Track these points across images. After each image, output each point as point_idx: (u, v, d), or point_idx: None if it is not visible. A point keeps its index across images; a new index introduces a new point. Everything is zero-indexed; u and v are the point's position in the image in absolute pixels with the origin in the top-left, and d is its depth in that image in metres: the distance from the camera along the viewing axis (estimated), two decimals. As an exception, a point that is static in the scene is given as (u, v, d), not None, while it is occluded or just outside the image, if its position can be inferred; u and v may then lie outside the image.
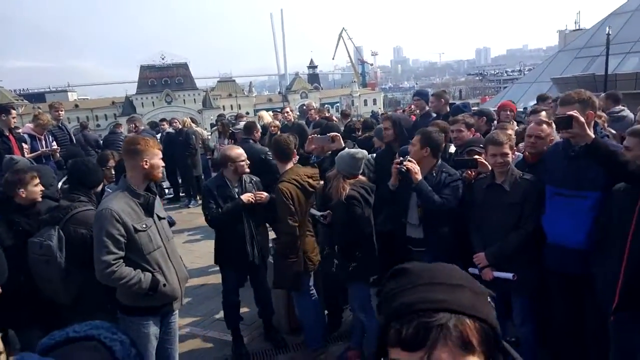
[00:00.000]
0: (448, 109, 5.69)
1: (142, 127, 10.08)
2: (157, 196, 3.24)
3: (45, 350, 1.03)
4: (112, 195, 3.08)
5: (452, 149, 4.44)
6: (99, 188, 3.85)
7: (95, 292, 3.24)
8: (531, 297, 3.51)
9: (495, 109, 6.13)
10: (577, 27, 47.89)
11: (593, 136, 2.83)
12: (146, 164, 3.05)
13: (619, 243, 2.74)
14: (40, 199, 3.61)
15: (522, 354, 3.04)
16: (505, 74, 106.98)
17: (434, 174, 3.73)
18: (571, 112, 2.82)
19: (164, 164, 3.24)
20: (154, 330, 3.17)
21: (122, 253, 2.95)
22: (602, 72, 17.04)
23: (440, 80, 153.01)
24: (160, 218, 3.21)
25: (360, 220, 3.76)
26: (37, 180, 3.57)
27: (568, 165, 3.12)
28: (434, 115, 5.69)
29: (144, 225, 3.04)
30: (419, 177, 3.61)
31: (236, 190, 4.18)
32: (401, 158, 3.71)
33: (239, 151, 4.22)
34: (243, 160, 4.18)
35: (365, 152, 4.11)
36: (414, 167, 3.61)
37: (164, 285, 3.08)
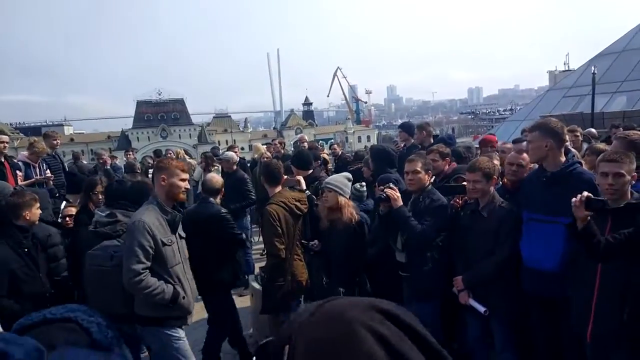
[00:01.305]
0: (431, 141, 5.85)
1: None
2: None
3: (22, 329, 1.01)
4: (143, 209, 3.27)
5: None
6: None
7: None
8: (510, 323, 3.55)
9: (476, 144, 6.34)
10: (567, 68, 49.33)
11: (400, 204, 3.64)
12: (164, 182, 3.26)
13: (591, 266, 2.81)
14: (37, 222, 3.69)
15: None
16: (497, 113, 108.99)
17: (421, 199, 3.80)
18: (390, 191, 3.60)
19: (187, 187, 3.40)
20: (180, 333, 3.32)
21: (149, 264, 3.13)
22: (590, 111, 17.50)
23: (433, 119, 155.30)
24: (181, 237, 3.41)
25: (364, 246, 3.93)
26: (38, 204, 3.67)
27: (542, 191, 3.24)
28: (419, 146, 5.85)
29: (170, 240, 3.24)
30: (399, 203, 3.69)
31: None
32: (382, 186, 3.81)
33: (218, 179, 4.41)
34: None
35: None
36: (394, 193, 3.70)
37: (183, 297, 3.26)
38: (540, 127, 3.24)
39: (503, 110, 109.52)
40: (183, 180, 3.31)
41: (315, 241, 4.14)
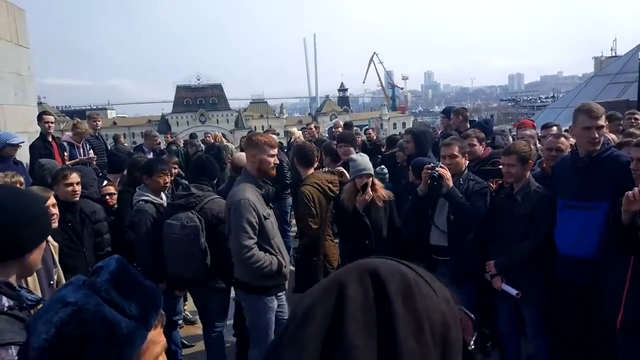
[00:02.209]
0: (468, 126, 5.77)
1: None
2: None
3: None
4: (242, 186, 3.43)
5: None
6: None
7: (216, 269, 3.72)
8: (542, 309, 3.53)
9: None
10: (614, 54, 47.11)
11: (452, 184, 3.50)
12: (254, 158, 3.43)
13: (624, 253, 2.77)
14: (77, 199, 3.80)
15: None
16: (539, 100, 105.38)
17: (462, 182, 3.78)
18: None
19: (277, 162, 3.53)
20: (274, 304, 3.53)
21: (256, 239, 3.31)
22: (636, 98, 16.73)
23: (471, 106, 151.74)
24: (270, 208, 3.58)
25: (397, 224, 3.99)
26: (71, 181, 3.73)
27: (577, 177, 3.19)
28: (455, 132, 5.78)
29: (267, 214, 3.43)
30: (451, 183, 3.64)
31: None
32: (432, 164, 3.77)
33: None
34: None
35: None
36: (446, 173, 3.64)
37: (284, 266, 3.45)
38: (605, 111, 3.17)
39: (545, 98, 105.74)
40: (272, 155, 3.43)
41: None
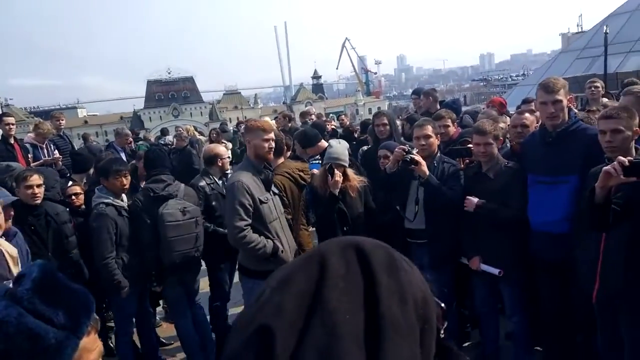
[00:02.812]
0: (438, 107, 5.77)
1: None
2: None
3: None
4: (239, 171, 3.58)
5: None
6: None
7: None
8: (520, 286, 3.55)
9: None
10: (580, 30, 47.85)
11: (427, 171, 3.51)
12: (249, 143, 3.51)
13: (595, 230, 2.75)
14: (38, 202, 3.67)
15: (515, 348, 3.06)
16: (510, 79, 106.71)
17: (435, 164, 3.75)
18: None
19: (272, 146, 3.52)
20: None
21: (250, 220, 3.36)
22: (602, 72, 17.05)
23: (444, 87, 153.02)
24: (274, 194, 3.58)
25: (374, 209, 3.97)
26: (31, 182, 3.61)
27: (546, 152, 3.19)
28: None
29: (265, 198, 3.46)
30: (427, 171, 3.59)
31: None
32: (407, 147, 3.69)
33: (223, 148, 4.55)
34: (227, 157, 4.52)
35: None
36: (421, 160, 3.59)
37: (281, 251, 3.45)
38: (564, 84, 3.14)
39: (515, 76, 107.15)
40: (265, 140, 3.43)
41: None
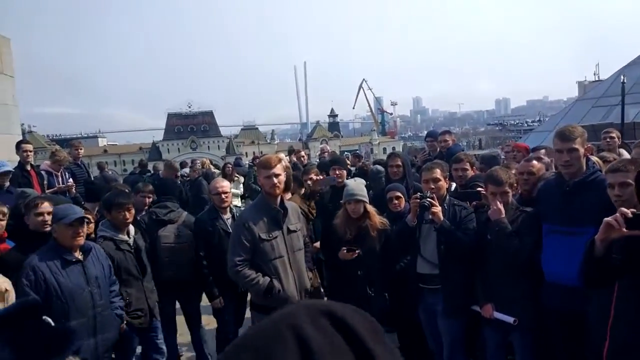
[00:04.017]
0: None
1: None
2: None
3: None
4: (249, 206, 3.79)
5: (453, 186, 4.47)
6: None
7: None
8: (532, 336, 3.42)
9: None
10: (597, 79, 48.02)
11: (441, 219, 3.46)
12: (260, 180, 3.60)
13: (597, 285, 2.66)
14: (48, 229, 3.55)
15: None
16: (526, 124, 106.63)
17: (445, 207, 3.67)
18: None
19: (278, 182, 3.48)
20: None
21: (247, 256, 3.42)
22: (619, 121, 16.99)
23: (460, 130, 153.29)
24: (290, 231, 3.55)
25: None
26: (41, 210, 3.61)
27: (562, 201, 3.11)
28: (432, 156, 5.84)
29: (269, 236, 3.45)
30: (442, 216, 3.53)
31: (229, 221, 4.39)
32: (420, 193, 3.64)
33: (226, 183, 4.58)
34: (228, 192, 4.51)
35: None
36: (438, 206, 3.52)
37: (279, 291, 3.43)
38: (582, 133, 3.08)
39: (531, 122, 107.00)
40: (267, 177, 3.43)
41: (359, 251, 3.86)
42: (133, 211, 4.05)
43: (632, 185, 2.53)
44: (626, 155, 4.69)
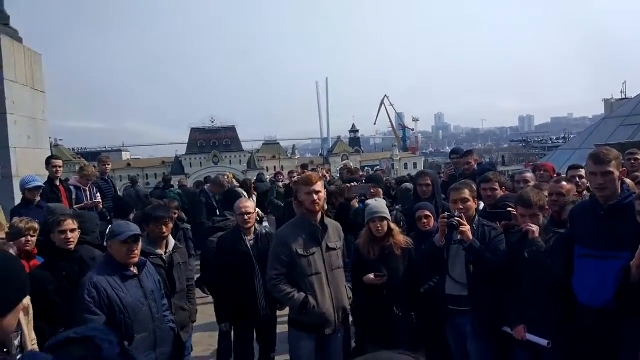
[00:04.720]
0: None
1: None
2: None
3: (51, 348, 1.18)
4: (288, 223, 3.81)
5: (481, 206, 4.39)
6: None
7: None
8: (565, 358, 3.30)
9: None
10: (623, 97, 47.09)
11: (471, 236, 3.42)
12: (300, 197, 3.65)
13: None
14: (71, 247, 3.62)
15: None
16: (550, 141, 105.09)
17: (475, 227, 3.63)
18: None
19: (317, 199, 3.53)
20: (306, 343, 3.56)
21: (284, 270, 3.49)
22: (649, 140, 16.55)
23: (482, 147, 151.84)
24: (329, 249, 3.58)
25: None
26: (64, 228, 3.58)
27: (596, 225, 3.03)
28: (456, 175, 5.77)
29: (306, 252, 3.49)
30: (471, 235, 3.49)
31: (251, 242, 4.34)
32: (448, 213, 3.62)
33: (250, 204, 4.54)
34: (252, 213, 4.41)
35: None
36: (467, 225, 3.49)
37: (313, 307, 3.45)
38: (617, 156, 3.02)
39: (556, 139, 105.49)
40: (309, 193, 3.48)
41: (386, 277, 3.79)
42: (171, 225, 4.07)
43: None
44: None
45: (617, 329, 2.85)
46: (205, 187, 9.90)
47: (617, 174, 2.97)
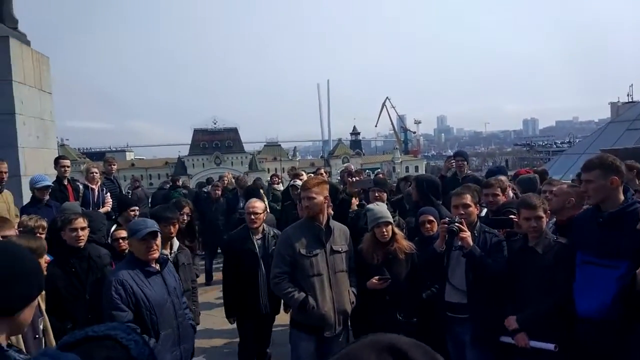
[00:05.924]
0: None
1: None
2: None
3: (66, 346, 1.11)
4: (295, 223, 3.85)
5: (484, 212, 4.39)
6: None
7: None
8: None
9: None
10: (630, 100, 46.85)
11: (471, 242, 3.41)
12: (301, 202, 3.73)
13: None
14: (82, 245, 3.69)
15: None
16: (555, 146, 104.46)
17: (476, 234, 3.61)
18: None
19: (306, 204, 3.62)
20: (306, 345, 3.59)
21: (287, 269, 3.55)
22: (655, 145, 16.49)
23: (485, 150, 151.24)
24: (333, 251, 3.61)
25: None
26: (75, 225, 3.65)
27: (596, 232, 3.04)
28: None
29: (309, 253, 3.54)
30: (471, 241, 3.47)
31: (258, 242, 4.41)
32: (448, 219, 3.59)
33: (260, 204, 4.61)
34: (260, 214, 4.48)
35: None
36: (467, 230, 3.47)
37: (313, 308, 3.47)
38: (602, 164, 3.01)
39: (560, 143, 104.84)
40: (309, 198, 3.54)
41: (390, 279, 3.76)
42: (177, 226, 4.12)
43: None
44: None
45: (617, 340, 2.84)
46: (205, 188, 10.08)
47: (601, 182, 2.95)
